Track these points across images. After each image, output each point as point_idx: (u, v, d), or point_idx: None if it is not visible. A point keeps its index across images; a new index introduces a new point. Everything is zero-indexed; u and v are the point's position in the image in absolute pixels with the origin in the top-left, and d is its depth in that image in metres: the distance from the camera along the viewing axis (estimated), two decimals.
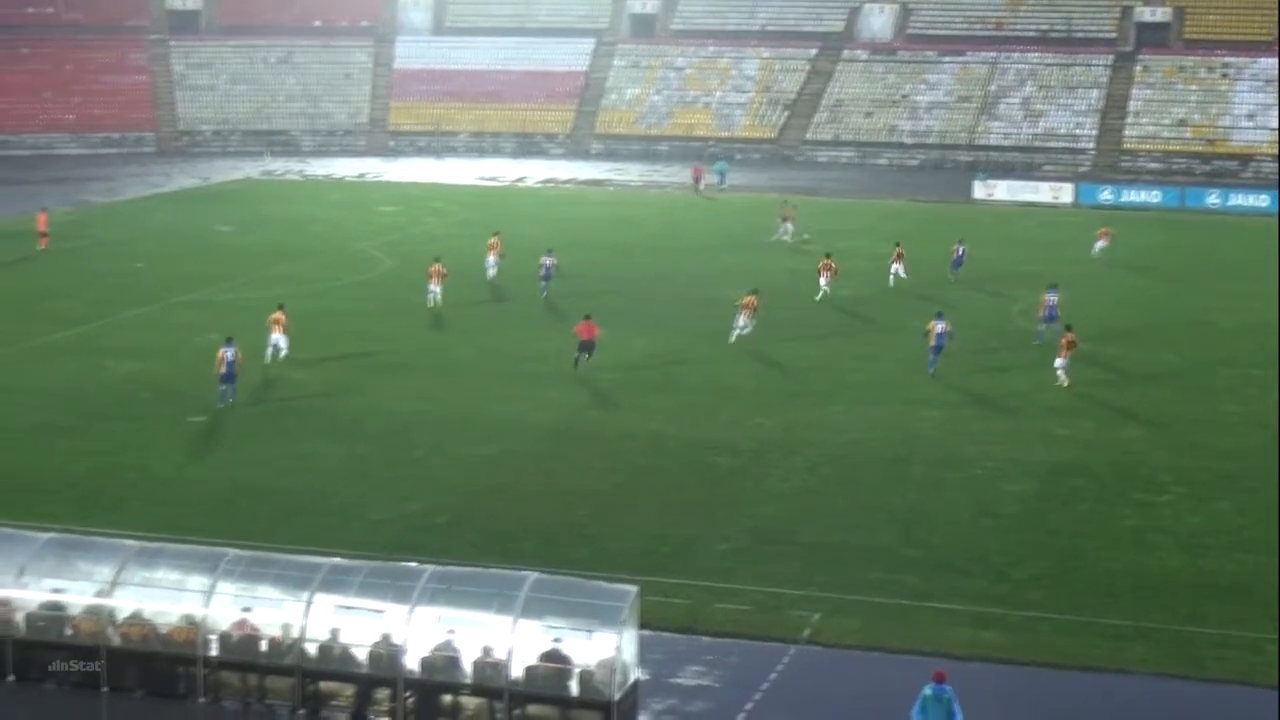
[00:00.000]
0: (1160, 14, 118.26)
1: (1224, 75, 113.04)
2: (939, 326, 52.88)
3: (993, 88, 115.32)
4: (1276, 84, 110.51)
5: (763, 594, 33.92)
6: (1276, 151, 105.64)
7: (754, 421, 47.25)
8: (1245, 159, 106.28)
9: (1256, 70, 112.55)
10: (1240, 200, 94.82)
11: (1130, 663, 31.21)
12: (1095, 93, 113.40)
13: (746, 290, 58.25)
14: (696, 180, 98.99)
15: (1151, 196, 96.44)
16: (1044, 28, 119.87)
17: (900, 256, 68.60)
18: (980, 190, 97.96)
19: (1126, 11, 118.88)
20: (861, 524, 38.60)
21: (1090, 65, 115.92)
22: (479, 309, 63.25)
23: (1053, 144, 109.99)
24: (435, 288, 62.41)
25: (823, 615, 32.85)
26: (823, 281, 64.42)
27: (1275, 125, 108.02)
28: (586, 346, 52.68)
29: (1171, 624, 32.79)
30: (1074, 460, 43.88)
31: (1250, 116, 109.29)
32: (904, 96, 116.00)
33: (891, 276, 68.06)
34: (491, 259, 68.24)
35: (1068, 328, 52.86)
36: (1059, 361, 51.41)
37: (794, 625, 32.44)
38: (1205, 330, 60.26)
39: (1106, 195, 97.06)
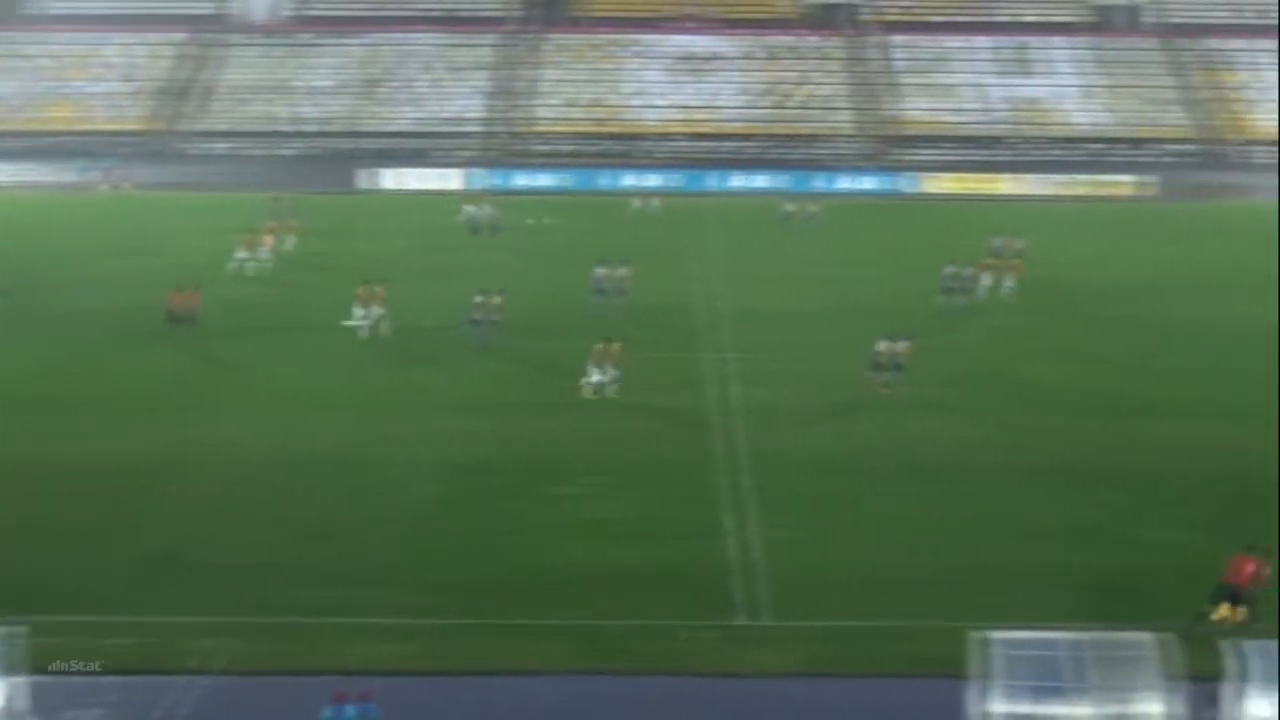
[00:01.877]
0: None
1: (621, 52, 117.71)
2: (479, 299, 56.98)
3: (379, 70, 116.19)
4: (673, 61, 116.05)
5: (149, 624, 33.21)
6: (680, 131, 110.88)
7: (148, 438, 46.19)
8: (645, 138, 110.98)
9: (653, 46, 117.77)
10: (649, 182, 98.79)
11: (546, 661, 32.30)
12: (486, 73, 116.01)
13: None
14: (100, 181, 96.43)
15: (548, 180, 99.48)
16: (430, 6, 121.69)
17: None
18: (367, 179, 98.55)
19: None
20: (262, 541, 38.37)
21: (480, 44, 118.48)
22: None
23: (444, 128, 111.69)
24: None
25: (216, 641, 32.46)
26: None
27: (672, 104, 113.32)
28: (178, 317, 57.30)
29: (584, 618, 34.11)
30: (482, 458, 44.90)
31: (647, 94, 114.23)
32: (286, 82, 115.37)
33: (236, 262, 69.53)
34: None
35: (607, 339, 52.16)
36: (611, 373, 51.08)
37: (182, 655, 31.94)
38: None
39: (500, 180, 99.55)
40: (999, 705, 27.75)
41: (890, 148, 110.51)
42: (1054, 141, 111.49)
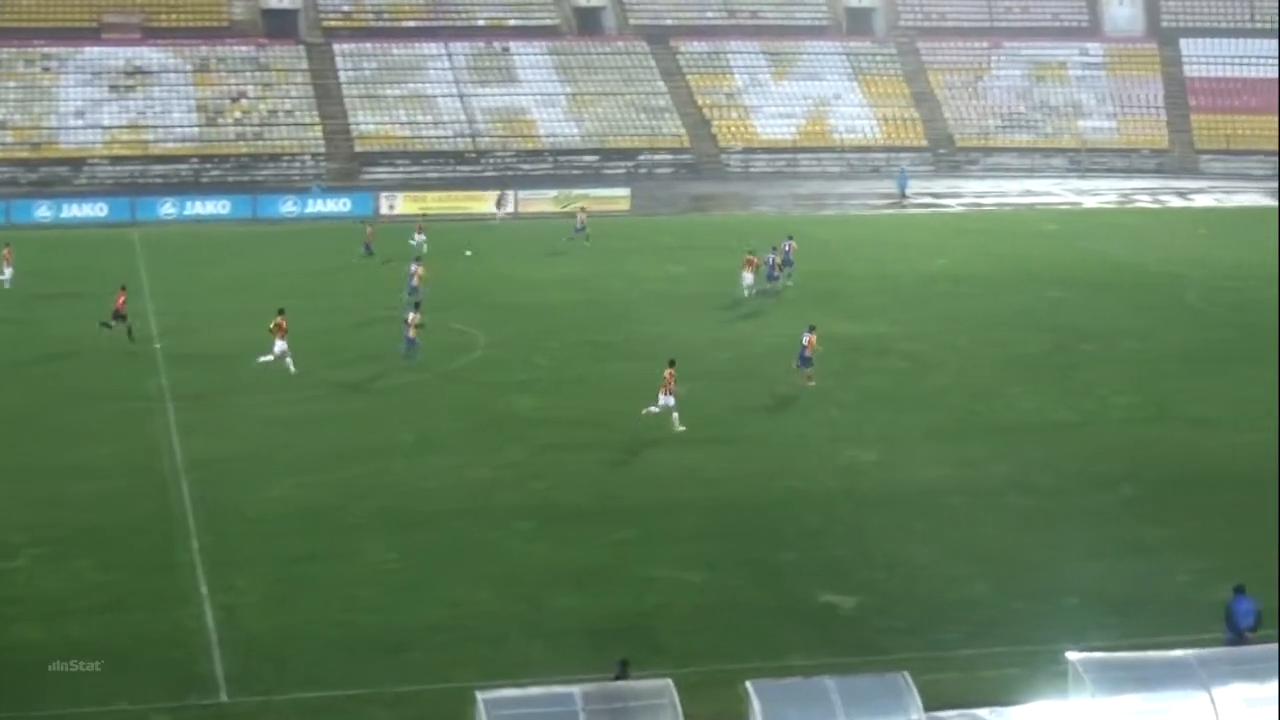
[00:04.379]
0: None
1: (46, 69, 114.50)
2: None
3: None
4: (111, 76, 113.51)
5: None
6: (109, 153, 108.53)
7: None
8: (78, 163, 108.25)
9: (83, 61, 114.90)
10: (76, 212, 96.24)
11: None
12: None
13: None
14: None
15: None
16: None
17: None
18: None
19: None
20: None
21: None
22: None
23: None
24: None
25: None
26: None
27: (106, 124, 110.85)
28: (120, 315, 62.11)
29: (36, 710, 33.02)
30: None
31: (80, 114, 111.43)
32: None
33: None
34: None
35: (671, 363, 52.83)
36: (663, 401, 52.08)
37: None
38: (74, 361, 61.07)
39: None
40: None
41: (362, 165, 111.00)
42: (540, 154, 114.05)
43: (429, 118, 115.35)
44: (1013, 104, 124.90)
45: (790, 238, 78.70)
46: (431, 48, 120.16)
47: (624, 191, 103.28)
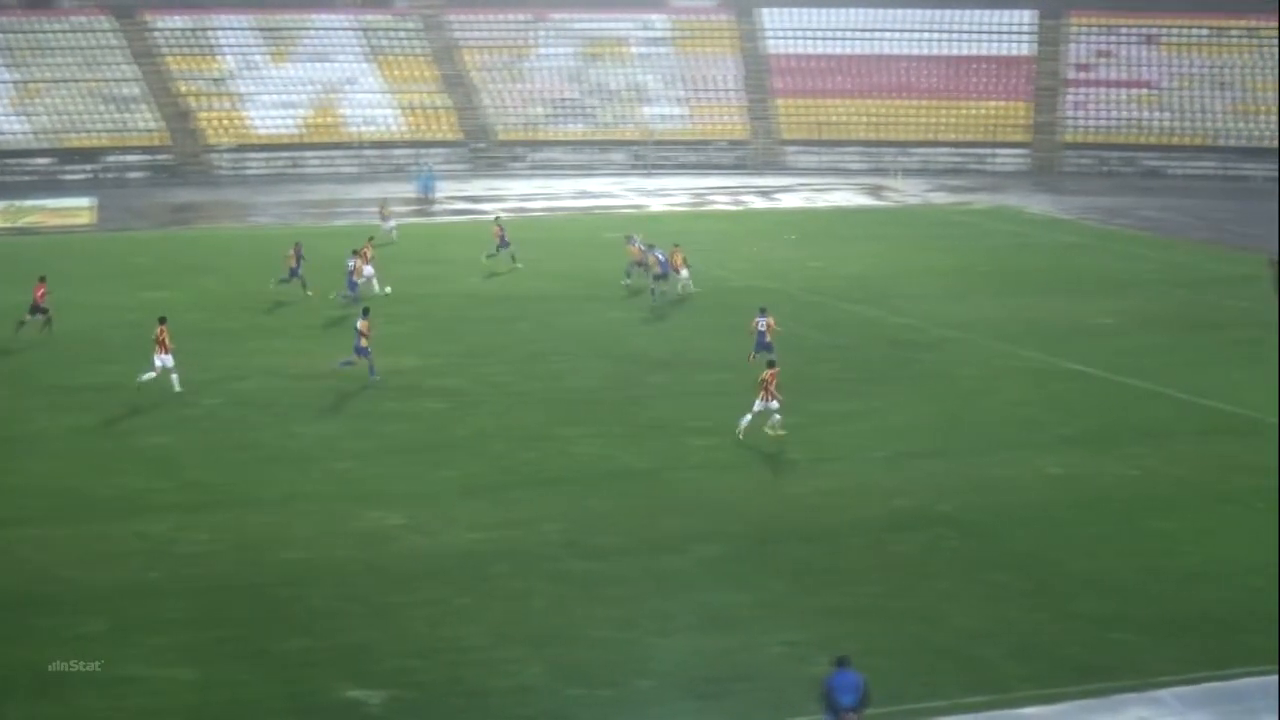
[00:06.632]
0: None
1: None
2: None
3: None
4: None
5: None
6: None
7: None
8: None
9: None
10: None
11: None
12: None
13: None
14: None
15: None
16: None
17: None
18: None
19: None
20: None
21: None
22: None
23: None
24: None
25: None
26: None
27: None
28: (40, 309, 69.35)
29: None
30: None
31: None
32: None
33: None
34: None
35: (770, 364, 57.57)
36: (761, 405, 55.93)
37: None
38: None
39: None
40: None
41: None
42: None
43: None
44: (562, 88, 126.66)
45: (668, 244, 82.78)
46: None
47: (86, 201, 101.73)
